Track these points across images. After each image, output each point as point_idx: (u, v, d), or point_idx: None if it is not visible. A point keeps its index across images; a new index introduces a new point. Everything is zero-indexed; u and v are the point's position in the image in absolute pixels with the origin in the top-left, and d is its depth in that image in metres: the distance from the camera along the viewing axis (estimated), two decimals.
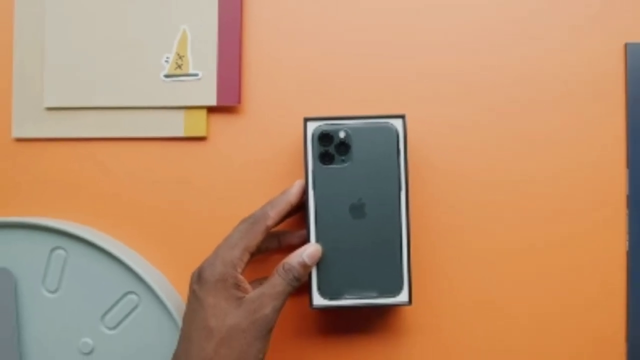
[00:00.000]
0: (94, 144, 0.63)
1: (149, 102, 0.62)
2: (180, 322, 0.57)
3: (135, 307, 0.59)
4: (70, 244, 0.59)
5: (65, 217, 0.63)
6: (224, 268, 0.51)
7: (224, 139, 0.63)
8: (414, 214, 0.62)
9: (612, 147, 0.63)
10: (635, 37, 0.63)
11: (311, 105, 0.63)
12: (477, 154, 0.63)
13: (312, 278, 0.55)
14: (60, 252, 0.59)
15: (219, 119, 0.63)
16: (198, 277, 0.52)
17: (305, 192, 0.56)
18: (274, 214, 0.54)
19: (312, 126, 0.56)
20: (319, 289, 0.55)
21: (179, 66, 0.62)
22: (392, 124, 0.55)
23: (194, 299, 0.52)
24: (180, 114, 0.62)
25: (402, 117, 0.56)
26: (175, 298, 0.60)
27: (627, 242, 0.62)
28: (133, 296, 0.59)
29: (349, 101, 0.63)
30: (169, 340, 0.58)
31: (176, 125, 0.62)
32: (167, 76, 0.62)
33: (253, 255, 0.53)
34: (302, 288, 0.56)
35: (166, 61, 0.62)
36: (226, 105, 0.62)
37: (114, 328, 0.59)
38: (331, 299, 0.55)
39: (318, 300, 0.55)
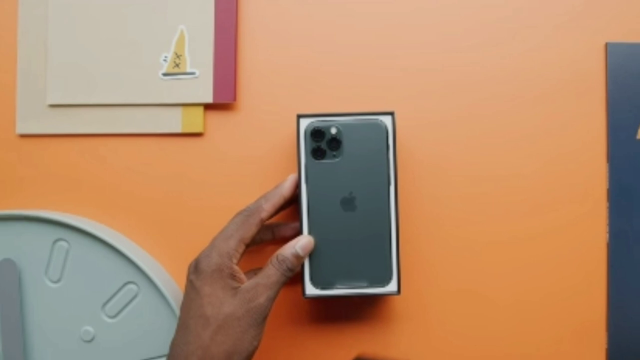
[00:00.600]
0: (95, 139, 0.63)
1: (148, 99, 0.62)
2: (178, 311, 0.57)
3: (135, 297, 0.59)
4: (72, 235, 0.59)
5: (67, 210, 0.63)
6: (220, 259, 0.51)
7: (220, 135, 0.63)
8: (403, 207, 0.62)
9: (593, 142, 0.63)
10: (615, 37, 0.63)
11: (304, 103, 0.63)
12: (462, 149, 0.63)
13: (304, 269, 0.56)
14: (63, 243, 0.59)
15: (215, 116, 0.63)
16: (195, 268, 0.52)
17: (298, 186, 0.56)
18: (268, 207, 0.54)
19: (304, 123, 0.56)
20: (312, 279, 0.56)
21: (177, 65, 0.62)
22: (381, 121, 0.56)
23: (191, 289, 0.52)
24: (178, 111, 0.62)
25: (391, 114, 0.56)
26: (173, 288, 0.60)
27: (607, 234, 0.62)
28: (132, 286, 0.59)
29: (340, 99, 0.63)
30: (167, 328, 0.59)
31: (174, 121, 0.62)
32: (165, 74, 0.62)
33: (248, 246, 0.54)
34: (295, 278, 0.57)
35: (164, 60, 0.62)
36: (222, 103, 0.62)
37: (114, 317, 0.59)
38: (323, 288, 0.56)
39: (310, 290, 0.56)
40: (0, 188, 0.63)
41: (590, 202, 0.63)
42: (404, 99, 0.63)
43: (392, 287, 0.56)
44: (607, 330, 0.62)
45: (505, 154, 0.63)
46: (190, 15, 0.62)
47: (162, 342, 0.59)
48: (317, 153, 0.56)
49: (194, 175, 0.63)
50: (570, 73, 0.63)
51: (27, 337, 0.59)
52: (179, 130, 0.62)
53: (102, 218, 0.63)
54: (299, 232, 0.56)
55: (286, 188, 0.56)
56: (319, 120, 0.56)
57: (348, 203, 0.56)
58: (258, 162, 0.63)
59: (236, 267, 0.52)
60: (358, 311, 0.63)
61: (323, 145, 0.56)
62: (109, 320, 0.59)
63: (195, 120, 0.62)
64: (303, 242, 0.54)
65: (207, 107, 0.63)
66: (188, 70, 0.62)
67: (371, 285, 0.56)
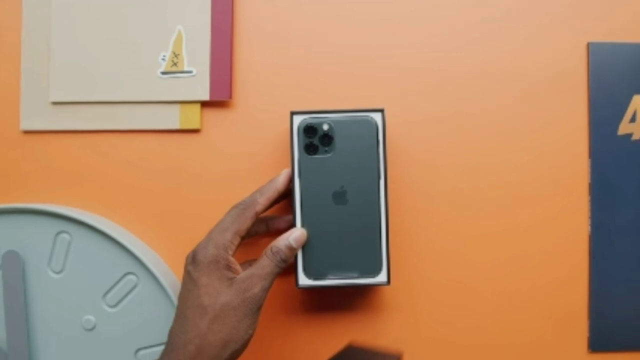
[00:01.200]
0: (96, 135, 0.63)
1: (147, 97, 0.62)
2: (176, 301, 0.58)
3: (134, 287, 0.59)
4: (74, 228, 0.59)
5: (69, 203, 0.63)
6: (216, 250, 0.52)
7: (217, 131, 0.63)
8: (392, 201, 0.63)
9: (575, 138, 0.64)
10: (597, 36, 0.64)
11: (297, 100, 0.64)
12: (450, 145, 0.64)
13: (297, 260, 0.56)
14: (65, 235, 0.59)
15: (211, 113, 0.63)
16: (192, 259, 0.52)
17: (291, 181, 0.56)
18: (262, 201, 0.55)
19: (297, 119, 0.56)
20: (304, 270, 0.56)
21: (175, 64, 0.62)
22: (372, 117, 0.56)
23: (189, 279, 0.52)
24: (176, 108, 0.63)
25: (381, 111, 0.57)
26: (172, 278, 0.61)
27: (589, 227, 0.63)
28: (132, 276, 0.59)
29: (332, 96, 0.64)
30: (166, 318, 0.59)
31: (172, 118, 0.63)
32: (163, 73, 0.62)
33: (243, 238, 0.54)
34: (288, 269, 0.58)
35: (163, 59, 0.62)
36: (218, 100, 0.62)
37: (114, 306, 0.59)
38: (315, 279, 0.56)
39: (303, 280, 0.56)
40: (5, 182, 0.63)
41: (573, 196, 0.64)
42: (394, 97, 0.64)
43: (382, 277, 0.57)
44: (589, 319, 0.63)
45: (491, 150, 0.64)
46: (187, 16, 0.62)
47: (161, 330, 0.59)
48: (309, 149, 0.56)
49: (192, 170, 0.63)
50: (554, 72, 0.64)
51: (30, 326, 0.59)
52: (176, 126, 0.63)
53: (103, 211, 0.63)
54: (292, 225, 0.56)
55: (280, 182, 0.56)
56: (311, 117, 0.56)
57: (340, 197, 0.56)
58: (253, 157, 0.63)
59: (232, 259, 0.52)
60: (349, 301, 0.63)
61: (315, 141, 0.56)
62: (110, 310, 0.59)
63: (192, 117, 0.63)
64: (296, 234, 0.55)
65: (204, 104, 0.63)
66: (186, 68, 0.62)
67: (362, 275, 0.56)
